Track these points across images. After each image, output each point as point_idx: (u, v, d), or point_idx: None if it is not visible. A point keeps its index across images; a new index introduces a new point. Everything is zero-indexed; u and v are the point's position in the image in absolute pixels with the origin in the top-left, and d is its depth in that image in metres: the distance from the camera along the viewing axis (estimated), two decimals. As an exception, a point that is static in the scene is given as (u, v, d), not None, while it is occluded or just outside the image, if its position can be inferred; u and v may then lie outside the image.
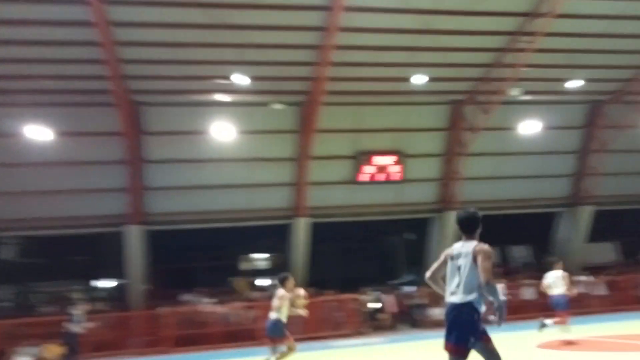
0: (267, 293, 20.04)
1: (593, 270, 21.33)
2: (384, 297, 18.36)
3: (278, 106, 17.26)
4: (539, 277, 20.65)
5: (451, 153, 19.56)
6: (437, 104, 19.00)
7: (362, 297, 17.45)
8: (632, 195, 22.12)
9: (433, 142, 19.67)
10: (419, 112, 19.04)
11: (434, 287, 4.67)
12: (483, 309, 4.21)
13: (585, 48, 16.39)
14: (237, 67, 15.37)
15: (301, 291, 8.80)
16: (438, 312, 17.95)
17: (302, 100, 17.32)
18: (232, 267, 23.78)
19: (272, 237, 21.66)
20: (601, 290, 19.54)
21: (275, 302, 8.23)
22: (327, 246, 23.25)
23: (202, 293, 18.33)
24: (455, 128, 19.17)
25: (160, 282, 19.30)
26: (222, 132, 17.22)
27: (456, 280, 4.29)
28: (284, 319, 8.15)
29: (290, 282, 8.46)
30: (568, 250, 21.99)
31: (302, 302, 8.63)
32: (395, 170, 19.31)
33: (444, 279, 4.49)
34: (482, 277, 4.10)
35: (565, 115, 20.23)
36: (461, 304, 4.18)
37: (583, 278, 19.56)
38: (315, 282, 18.98)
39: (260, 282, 21.99)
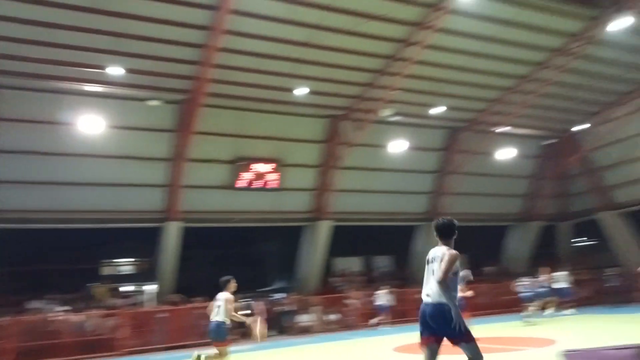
0: (130, 300, 18.82)
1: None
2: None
3: (154, 103, 16.46)
4: (399, 286, 22.46)
5: (326, 165, 20.40)
6: (317, 117, 19.72)
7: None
8: (480, 214, 25.14)
9: (310, 154, 20.34)
10: (299, 123, 19.56)
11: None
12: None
13: (448, 79, 18.32)
14: (112, 57, 14.35)
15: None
16: (306, 318, 18.48)
17: (181, 99, 16.72)
18: (92, 271, 21.81)
19: (139, 240, 20.37)
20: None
21: (219, 305, 7.97)
22: (198, 252, 22.54)
23: (54, 300, 16.54)
24: (331, 141, 20.05)
25: (3, 288, 16.96)
26: (90, 125, 15.76)
27: (431, 281, 4.56)
28: (228, 322, 7.93)
29: (232, 284, 8.21)
30: (423, 261, 24.17)
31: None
32: (273, 178, 19.53)
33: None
34: (436, 275, 4.43)
35: (428, 138, 22.35)
36: (437, 303, 4.47)
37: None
38: (184, 288, 18.30)
39: (123, 288, 20.46)
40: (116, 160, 17.00)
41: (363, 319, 19.57)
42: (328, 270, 23.23)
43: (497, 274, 25.17)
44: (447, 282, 4.42)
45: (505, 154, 22.47)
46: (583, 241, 32.84)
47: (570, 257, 27.74)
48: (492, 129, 21.08)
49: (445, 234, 4.77)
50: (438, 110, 18.70)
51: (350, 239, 25.10)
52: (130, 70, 14.86)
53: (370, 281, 23.05)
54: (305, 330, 17.97)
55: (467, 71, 18.03)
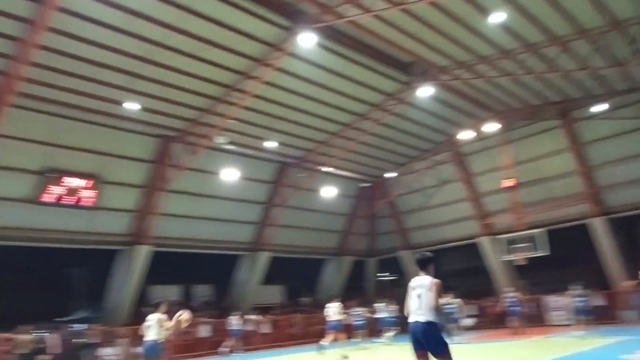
0: None
1: (262, 310, 24.11)
2: (47, 336, 16.05)
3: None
4: (219, 316, 22.06)
5: (152, 187, 19.38)
6: (147, 135, 18.76)
7: (20, 336, 14.81)
8: (299, 246, 26.44)
9: (135, 173, 19.13)
10: (126, 139, 18.33)
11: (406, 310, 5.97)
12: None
13: (282, 116, 19.27)
14: None
15: (185, 314, 9.01)
16: (110, 352, 16.83)
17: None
18: None
19: None
20: (266, 328, 22.19)
21: (149, 325, 8.85)
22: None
23: None
24: (160, 163, 19.21)
25: None
26: None
27: (417, 304, 5.74)
28: (162, 340, 8.79)
29: (164, 306, 9.18)
30: (245, 291, 24.29)
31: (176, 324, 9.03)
32: (88, 195, 17.73)
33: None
34: (431, 303, 5.60)
35: (259, 170, 22.99)
36: (425, 322, 5.61)
37: (253, 317, 21.86)
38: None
39: None
40: None
41: (176, 351, 18.67)
42: (142, 299, 21.66)
43: (312, 304, 26.56)
44: (437, 306, 5.65)
45: (327, 192, 24.36)
46: (386, 276, 36.81)
47: (375, 290, 30.81)
48: (318, 168, 22.69)
49: (425, 265, 5.97)
50: (271, 144, 19.44)
51: (170, 265, 23.93)
52: None
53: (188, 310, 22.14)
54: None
55: (299, 111, 19.24)
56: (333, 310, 15.30)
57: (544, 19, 14.53)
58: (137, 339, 17.55)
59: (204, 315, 21.50)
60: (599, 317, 18.95)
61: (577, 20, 14.53)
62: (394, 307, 19.78)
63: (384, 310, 19.81)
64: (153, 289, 23.32)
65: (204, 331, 20.42)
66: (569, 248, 31.91)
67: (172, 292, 23.90)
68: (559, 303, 21.04)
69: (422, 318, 5.66)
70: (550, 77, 18.22)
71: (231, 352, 18.28)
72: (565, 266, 29.47)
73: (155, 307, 9.27)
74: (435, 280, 5.77)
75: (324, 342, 14.89)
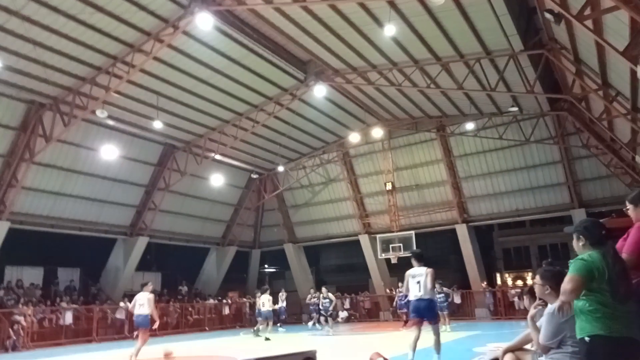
0: None
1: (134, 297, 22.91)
2: None
3: None
4: (85, 302, 20.59)
5: (15, 156, 17.49)
6: (13, 99, 16.85)
7: None
8: (181, 234, 25.62)
9: (-4, 139, 17.13)
10: (-12, 101, 16.36)
11: (405, 291, 8.56)
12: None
13: (172, 97, 18.50)
14: None
15: None
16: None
17: None
18: None
19: None
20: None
21: (142, 303, 10.51)
22: None
23: None
24: (26, 130, 17.38)
25: None
26: None
27: (417, 287, 7.91)
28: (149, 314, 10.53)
29: (150, 287, 10.91)
30: (118, 277, 22.93)
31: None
32: None
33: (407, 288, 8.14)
34: (429, 285, 7.84)
35: (143, 151, 21.84)
36: (429, 299, 7.92)
37: (122, 305, 20.73)
38: None
39: None
40: None
41: (33, 339, 17.18)
42: (-5, 281, 19.54)
43: (191, 294, 25.93)
44: (433, 288, 7.98)
45: (216, 180, 23.90)
46: (268, 268, 37.17)
47: (257, 282, 30.95)
48: (207, 155, 22.15)
49: (420, 259, 8.27)
50: (157, 124, 18.54)
51: (31, 246, 21.81)
52: None
53: (45, 296, 20.41)
54: None
55: (191, 94, 18.61)
56: (265, 301, 17.39)
57: (430, 39, 15.73)
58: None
59: (68, 302, 19.97)
60: (456, 313, 21.12)
61: (457, 45, 15.94)
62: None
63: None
64: (10, 270, 21.09)
65: (68, 318, 18.96)
66: (437, 250, 35.06)
67: (32, 274, 21.79)
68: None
69: (425, 297, 7.83)
70: (430, 93, 19.77)
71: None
72: (431, 266, 32.05)
73: (142, 287, 10.92)
74: (430, 270, 7.94)
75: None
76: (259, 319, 17.84)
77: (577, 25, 10.35)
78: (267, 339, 16.25)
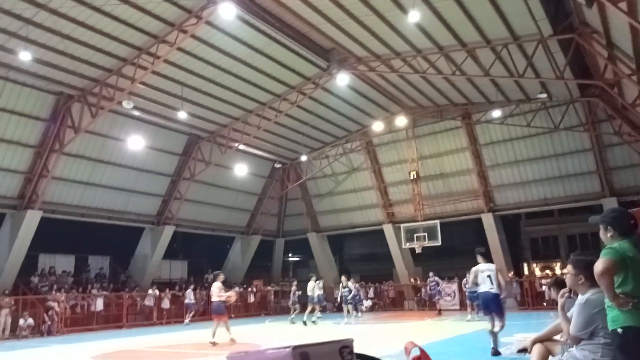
0: None
1: (162, 285, 23.48)
2: None
3: None
4: (115, 289, 21.19)
5: (46, 147, 17.97)
6: (41, 91, 17.25)
7: None
8: (206, 223, 25.99)
9: (26, 130, 17.60)
10: (19, 93, 16.80)
11: (473, 286, 10.02)
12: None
13: (196, 87, 18.66)
14: None
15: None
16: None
17: None
18: None
19: None
20: (165, 303, 21.68)
21: (213, 291, 12.07)
22: None
23: None
24: (57, 122, 17.81)
25: None
26: None
27: (489, 282, 8.62)
28: (224, 301, 12.00)
29: (221, 277, 12.45)
30: (146, 265, 23.45)
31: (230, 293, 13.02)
32: (-32, 151, 16.09)
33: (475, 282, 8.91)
34: (494, 279, 8.60)
35: (169, 141, 22.16)
36: (496, 293, 8.59)
37: (150, 292, 21.25)
38: None
39: None
40: None
41: (66, 324, 17.81)
42: (31, 268, 20.25)
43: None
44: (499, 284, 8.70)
45: (240, 170, 24.09)
46: (292, 257, 37.45)
47: (281, 270, 31.28)
48: (231, 145, 22.32)
49: (487, 256, 9.18)
50: (181, 115, 18.75)
51: (63, 234, 22.49)
52: None
53: (78, 283, 21.05)
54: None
55: (214, 84, 18.74)
56: (313, 287, 18.08)
57: (455, 24, 15.38)
58: (22, 309, 16.52)
59: (98, 288, 20.56)
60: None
61: (483, 30, 15.55)
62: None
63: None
64: (43, 258, 21.83)
65: (98, 305, 19.54)
66: (462, 240, 34.67)
67: (64, 262, 22.52)
68: (449, 289, 22.85)
69: (493, 290, 8.59)
70: (455, 80, 19.39)
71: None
72: (455, 256, 31.81)
73: (215, 277, 12.59)
74: (497, 266, 9.22)
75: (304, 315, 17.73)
76: (311, 305, 18.01)
77: (610, 8, 9.97)
78: (313, 322, 17.21)
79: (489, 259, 9.18)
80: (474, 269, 8.98)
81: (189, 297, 21.29)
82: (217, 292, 11.86)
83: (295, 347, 1.55)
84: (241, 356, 1.73)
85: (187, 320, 20.46)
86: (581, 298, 3.70)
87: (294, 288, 20.95)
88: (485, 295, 8.67)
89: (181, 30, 15.38)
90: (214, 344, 11.46)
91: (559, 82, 17.84)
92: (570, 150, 21.91)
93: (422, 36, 16.19)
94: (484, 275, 8.69)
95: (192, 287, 22.38)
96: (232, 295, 13.04)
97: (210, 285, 25.08)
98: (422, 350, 1.97)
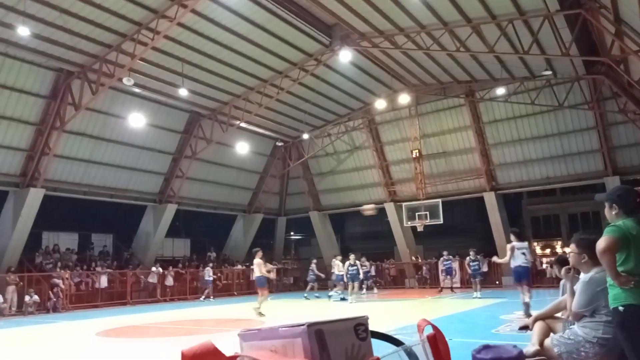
0: None
1: (165, 262, 23.68)
2: None
3: None
4: (117, 267, 21.38)
5: (46, 125, 17.88)
6: (41, 67, 17.08)
7: None
8: (208, 201, 26.04)
9: (28, 108, 17.49)
10: (19, 70, 16.63)
11: (509, 259, 10.60)
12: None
13: (197, 63, 18.44)
14: None
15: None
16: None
17: None
18: None
19: None
20: (169, 281, 21.91)
21: (253, 268, 13.93)
22: None
23: None
24: (57, 99, 17.68)
25: None
26: None
27: (523, 257, 10.33)
28: (264, 275, 13.41)
29: (260, 253, 13.51)
30: (149, 242, 23.59)
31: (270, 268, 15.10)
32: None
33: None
34: (530, 257, 10.73)
35: (170, 118, 22.03)
36: (528, 266, 10.51)
37: (154, 269, 21.44)
38: None
39: None
40: None
41: (71, 301, 18.02)
42: (34, 245, 20.39)
43: (220, 260, 26.54)
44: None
45: (241, 148, 24.01)
46: (294, 235, 37.65)
47: (283, 249, 31.48)
48: (233, 123, 22.19)
49: (520, 235, 10.97)
50: (182, 92, 18.58)
51: (66, 212, 22.59)
52: None
53: (82, 260, 21.21)
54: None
55: (215, 60, 18.49)
56: (338, 265, 18.91)
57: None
58: (28, 286, 16.71)
59: (102, 266, 20.73)
60: (483, 281, 20.99)
61: (489, 5, 15.26)
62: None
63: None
64: (46, 235, 21.97)
65: (102, 282, 19.74)
66: (463, 218, 34.74)
67: (67, 239, 22.67)
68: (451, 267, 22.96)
69: (525, 264, 10.39)
70: (460, 57, 19.13)
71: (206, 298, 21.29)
72: (457, 234, 31.93)
73: (255, 254, 13.60)
74: (530, 245, 8.47)
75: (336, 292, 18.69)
76: (342, 282, 18.56)
77: (620, -19, 9.72)
78: (343, 299, 17.99)
79: (522, 238, 10.93)
80: (509, 245, 10.52)
81: (208, 274, 21.68)
82: (259, 267, 13.21)
83: (310, 325, 1.52)
84: (254, 333, 1.70)
85: (203, 297, 21.26)
86: (585, 276, 3.70)
87: (313, 265, 21.69)
88: (518, 269, 10.40)
89: (181, 4, 15.11)
90: (260, 314, 12.66)
91: (564, 59, 17.60)
92: (574, 128, 21.76)
93: (427, 11, 15.90)
94: (519, 252, 10.37)
95: (210, 264, 22.82)
96: (272, 270, 14.69)
97: (213, 263, 25.48)
98: (435, 327, 1.95)
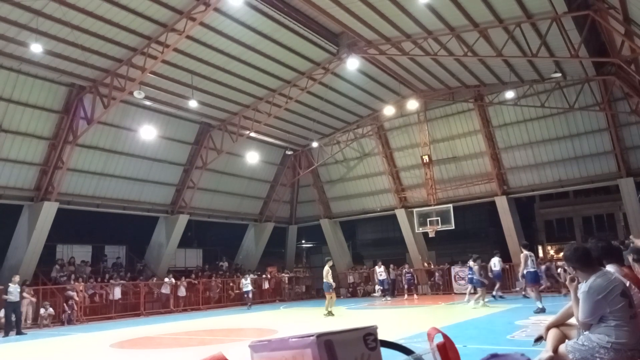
0: None
1: (178, 272, 23.80)
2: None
3: None
4: (131, 278, 21.52)
5: (60, 139, 18.14)
6: (54, 83, 17.37)
7: None
8: (219, 211, 26.16)
9: (40, 123, 17.77)
10: (32, 86, 16.93)
11: (522, 267, 13.65)
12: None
13: (206, 75, 18.64)
14: None
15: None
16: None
17: None
18: None
19: None
20: (181, 291, 22.02)
21: (325, 273, 15.43)
22: None
23: None
24: (69, 113, 17.96)
25: None
26: None
27: (533, 263, 13.62)
28: (331, 282, 15.39)
29: (330, 262, 15.64)
30: (161, 253, 23.74)
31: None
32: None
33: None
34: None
35: (180, 130, 22.25)
36: (536, 270, 14.11)
37: (167, 280, 21.55)
38: None
39: None
40: None
41: (85, 313, 18.16)
42: (48, 259, 20.60)
43: (232, 269, 26.62)
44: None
45: (251, 157, 24.13)
46: (305, 243, 37.62)
47: (295, 257, 31.46)
48: (242, 133, 22.34)
49: (528, 247, 14.17)
50: (192, 104, 18.77)
51: (79, 224, 22.84)
52: None
53: (96, 272, 21.39)
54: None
55: (223, 71, 18.67)
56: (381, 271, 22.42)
57: (467, 4, 15.09)
58: (43, 299, 16.90)
59: (115, 278, 20.87)
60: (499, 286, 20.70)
61: (496, 9, 15.25)
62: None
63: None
64: (60, 248, 22.20)
65: (116, 293, 19.87)
66: (475, 223, 34.45)
67: (80, 252, 22.87)
68: (462, 273, 22.76)
69: (534, 269, 13.45)
70: (467, 61, 19.10)
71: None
72: (469, 239, 31.64)
73: (325, 262, 15.63)
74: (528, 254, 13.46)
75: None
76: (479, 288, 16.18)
77: (628, -19, 9.66)
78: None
79: (530, 248, 14.12)
80: (522, 255, 13.55)
81: (247, 285, 22.18)
82: (327, 274, 15.26)
83: (319, 335, 1.53)
84: (264, 344, 1.72)
85: (248, 305, 21.90)
86: (584, 286, 3.70)
87: (379, 269, 22.93)
88: (535, 274, 13.69)
89: (190, 17, 15.32)
90: (330, 313, 14.73)
91: (573, 61, 17.48)
92: (585, 130, 21.55)
93: (433, 17, 15.93)
94: (531, 260, 13.37)
95: (249, 275, 23.25)
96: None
97: (225, 272, 25.60)
98: (445, 335, 1.95)
